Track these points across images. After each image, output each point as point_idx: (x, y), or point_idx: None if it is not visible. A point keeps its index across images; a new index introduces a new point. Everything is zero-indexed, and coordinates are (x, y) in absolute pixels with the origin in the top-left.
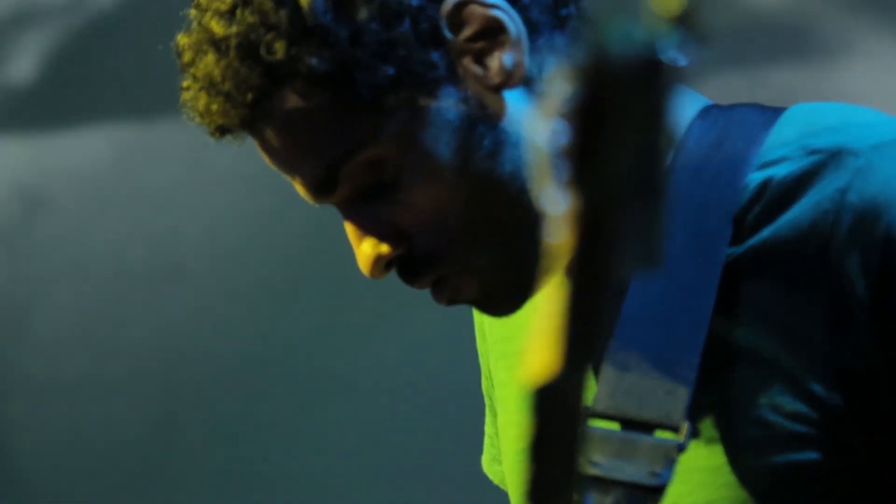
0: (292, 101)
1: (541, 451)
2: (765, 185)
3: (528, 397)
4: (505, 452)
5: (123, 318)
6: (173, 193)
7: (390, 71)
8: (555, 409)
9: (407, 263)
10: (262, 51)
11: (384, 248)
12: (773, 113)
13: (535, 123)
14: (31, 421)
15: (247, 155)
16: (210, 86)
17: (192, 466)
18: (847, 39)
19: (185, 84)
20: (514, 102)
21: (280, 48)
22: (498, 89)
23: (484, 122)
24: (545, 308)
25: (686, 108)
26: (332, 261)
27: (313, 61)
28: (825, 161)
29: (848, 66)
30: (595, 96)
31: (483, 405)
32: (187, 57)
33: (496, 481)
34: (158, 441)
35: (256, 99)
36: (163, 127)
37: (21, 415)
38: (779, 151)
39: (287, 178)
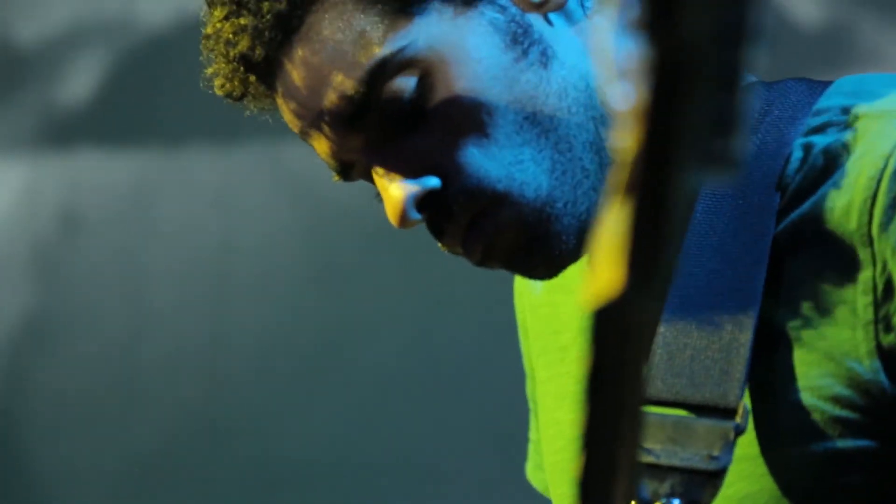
0: (324, 7)
1: (598, 393)
2: (806, 152)
3: (587, 323)
4: (546, 452)
5: (163, 335)
6: (212, 211)
7: None
8: (617, 336)
9: (440, 201)
10: None
11: (414, 186)
12: (820, 84)
13: (586, 39)
14: (59, 439)
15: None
16: (237, 6)
17: (235, 470)
18: (883, 46)
19: (212, 20)
20: (558, 23)
21: None
22: (538, 8)
23: (527, 35)
24: (607, 227)
25: None
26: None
27: None
28: (869, 126)
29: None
30: None
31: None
32: None
33: (540, 489)
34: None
35: (285, 11)
36: (201, 149)
37: (48, 433)
38: (822, 118)
39: (307, 135)
